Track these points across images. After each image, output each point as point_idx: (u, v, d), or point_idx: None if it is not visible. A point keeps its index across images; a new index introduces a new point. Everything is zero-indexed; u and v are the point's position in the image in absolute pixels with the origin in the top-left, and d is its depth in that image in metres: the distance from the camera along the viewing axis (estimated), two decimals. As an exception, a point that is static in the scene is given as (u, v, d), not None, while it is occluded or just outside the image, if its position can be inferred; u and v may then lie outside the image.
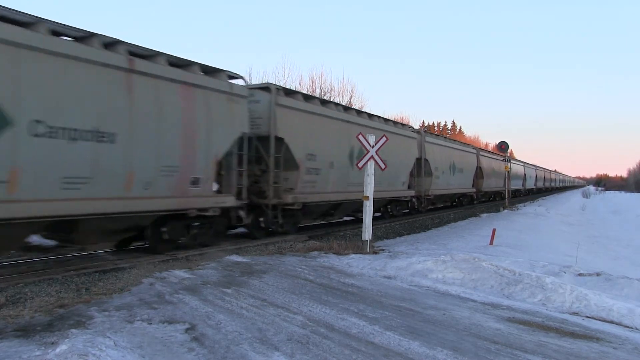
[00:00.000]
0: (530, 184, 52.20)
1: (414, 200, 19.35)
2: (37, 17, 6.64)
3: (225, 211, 9.86)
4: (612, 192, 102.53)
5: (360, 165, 10.05)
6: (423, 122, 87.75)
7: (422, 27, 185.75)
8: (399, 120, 28.03)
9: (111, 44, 7.58)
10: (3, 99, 5.97)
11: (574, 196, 65.69)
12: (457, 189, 24.75)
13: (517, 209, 27.83)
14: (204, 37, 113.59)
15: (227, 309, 5.36)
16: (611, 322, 5.53)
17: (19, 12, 6.47)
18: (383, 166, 9.89)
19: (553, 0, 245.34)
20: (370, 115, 15.92)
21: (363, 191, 9.84)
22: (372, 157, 9.76)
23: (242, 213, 10.38)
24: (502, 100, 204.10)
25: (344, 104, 21.92)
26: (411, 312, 5.56)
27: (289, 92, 12.25)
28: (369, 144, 9.78)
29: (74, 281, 6.52)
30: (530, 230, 17.35)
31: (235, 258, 8.42)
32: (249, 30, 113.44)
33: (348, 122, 13.79)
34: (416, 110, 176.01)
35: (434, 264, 7.67)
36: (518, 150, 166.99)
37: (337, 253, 9.27)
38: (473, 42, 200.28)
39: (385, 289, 6.62)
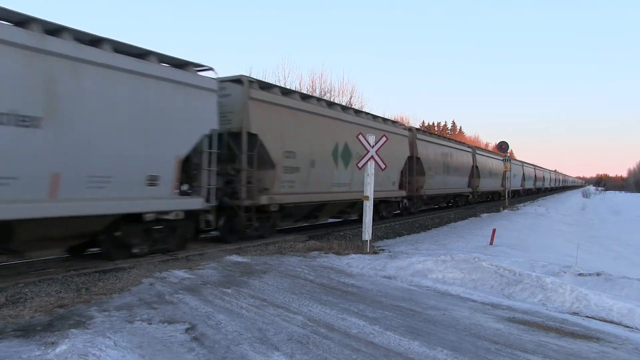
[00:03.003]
0: (539, 184, 58.40)
1: (469, 195, 28.33)
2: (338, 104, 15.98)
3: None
4: (612, 192, 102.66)
5: (360, 165, 10.06)
6: (423, 122, 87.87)
7: (423, 27, 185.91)
8: (398, 120, 30.44)
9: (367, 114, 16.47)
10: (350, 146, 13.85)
11: (574, 196, 65.67)
12: (493, 188, 33.85)
13: (517, 209, 27.83)
14: (204, 36, 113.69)
15: (227, 309, 5.36)
16: (611, 322, 5.52)
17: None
18: (383, 166, 9.89)
19: (553, 0, 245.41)
20: (454, 141, 26.92)
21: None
22: (372, 157, 9.76)
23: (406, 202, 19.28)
24: (502, 100, 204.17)
25: (343, 103, 24.31)
26: (411, 312, 5.56)
27: (422, 131, 21.87)
28: (369, 144, 9.78)
29: (74, 281, 6.53)
30: (530, 230, 17.36)
31: (235, 258, 8.42)
32: (249, 30, 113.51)
33: (445, 146, 23.40)
34: (416, 110, 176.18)
35: (434, 264, 7.66)
36: (518, 150, 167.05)
37: (337, 253, 9.27)
38: (473, 42, 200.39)
39: (385, 289, 6.62)
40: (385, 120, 17.25)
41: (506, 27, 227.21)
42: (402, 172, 17.83)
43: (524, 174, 46.08)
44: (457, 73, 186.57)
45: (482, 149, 35.69)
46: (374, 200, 12.89)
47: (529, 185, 50.52)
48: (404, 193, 18.09)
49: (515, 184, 41.23)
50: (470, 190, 27.62)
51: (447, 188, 23.24)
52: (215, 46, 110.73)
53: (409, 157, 18.46)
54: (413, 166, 19.10)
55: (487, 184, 31.56)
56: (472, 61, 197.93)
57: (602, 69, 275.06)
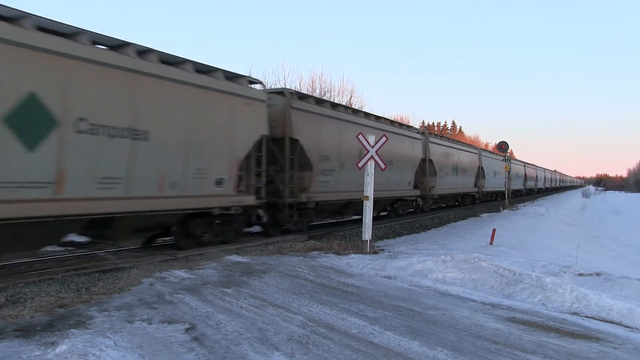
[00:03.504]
0: (530, 184, 55.03)
1: (416, 200, 20.26)
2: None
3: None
4: (612, 192, 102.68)
5: (360, 165, 10.06)
6: (423, 122, 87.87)
7: (423, 27, 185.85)
8: (399, 120, 29.06)
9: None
10: None
11: (574, 196, 65.68)
12: (458, 189, 26.22)
13: (517, 209, 27.84)
14: (204, 36, 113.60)
15: (227, 309, 5.36)
16: (611, 322, 5.52)
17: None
18: (383, 166, 9.90)
19: (553, 0, 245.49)
20: (385, 119, 18.14)
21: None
22: (372, 157, 9.76)
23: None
24: (502, 100, 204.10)
25: (343, 103, 23.22)
26: (411, 312, 5.56)
27: (313, 99, 13.76)
28: (369, 144, 9.78)
29: (74, 281, 6.53)
30: (530, 230, 17.36)
31: (235, 258, 8.42)
32: (249, 30, 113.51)
33: (363, 125, 15.32)
34: (416, 110, 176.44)
35: (434, 264, 7.66)
36: (518, 150, 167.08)
37: (337, 253, 9.27)
38: (473, 42, 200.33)
39: (385, 289, 6.62)
40: (200, 68, 9.35)
41: (506, 27, 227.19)
42: (242, 164, 10.23)
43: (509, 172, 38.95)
44: (457, 73, 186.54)
45: (439, 137, 26.69)
46: (176, 215, 8.76)
47: (517, 185, 42.76)
48: (251, 200, 10.36)
49: (496, 183, 33.34)
50: (417, 193, 19.56)
51: (380, 190, 14.50)
52: (215, 46, 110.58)
53: (274, 140, 11.47)
54: (285, 156, 11.67)
55: (448, 184, 23.18)
56: (472, 61, 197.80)
57: (602, 69, 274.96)
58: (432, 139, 21.42)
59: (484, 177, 30.20)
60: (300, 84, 31.80)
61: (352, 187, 13.78)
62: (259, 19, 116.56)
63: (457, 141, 30.01)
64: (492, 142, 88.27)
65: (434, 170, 20.83)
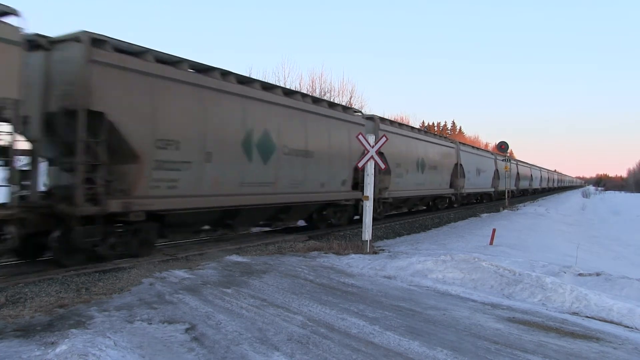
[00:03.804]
0: (524, 185, 53.76)
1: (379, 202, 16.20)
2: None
3: None
4: (612, 192, 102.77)
5: (360, 165, 10.07)
6: (423, 122, 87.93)
7: (423, 27, 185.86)
8: (399, 120, 28.91)
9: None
10: None
11: (574, 196, 65.69)
12: (424, 190, 20.77)
13: (517, 209, 27.84)
14: (204, 36, 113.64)
15: (227, 309, 5.36)
16: (611, 322, 5.53)
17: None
18: (383, 166, 9.91)
19: (553, 0, 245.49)
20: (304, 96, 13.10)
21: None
22: (372, 157, 9.76)
23: None
24: (502, 100, 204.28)
25: (343, 103, 22.87)
26: (411, 312, 5.56)
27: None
28: (369, 144, 9.78)
29: (74, 281, 6.53)
30: (530, 230, 17.35)
31: (235, 258, 8.42)
32: (249, 30, 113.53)
33: (273, 104, 10.98)
34: (416, 110, 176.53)
35: (434, 264, 7.67)
36: (518, 150, 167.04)
37: (337, 253, 9.27)
38: (473, 42, 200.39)
39: (385, 289, 6.62)
40: None
41: (506, 27, 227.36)
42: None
43: (497, 170, 33.07)
44: (457, 73, 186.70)
45: (397, 124, 19.42)
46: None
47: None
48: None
49: (480, 183, 29.04)
50: (357, 196, 14.00)
51: (292, 192, 11.47)
52: (215, 46, 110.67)
53: (69, 114, 7.32)
54: (77, 140, 7.28)
55: (409, 184, 18.49)
56: (472, 61, 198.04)
57: (602, 69, 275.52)
58: (383, 127, 16.30)
59: (464, 176, 25.36)
60: (300, 84, 31.78)
61: (233, 187, 9.78)
62: (259, 19, 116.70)
63: (425, 131, 24.71)
64: (492, 142, 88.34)
65: (388, 167, 15.82)
